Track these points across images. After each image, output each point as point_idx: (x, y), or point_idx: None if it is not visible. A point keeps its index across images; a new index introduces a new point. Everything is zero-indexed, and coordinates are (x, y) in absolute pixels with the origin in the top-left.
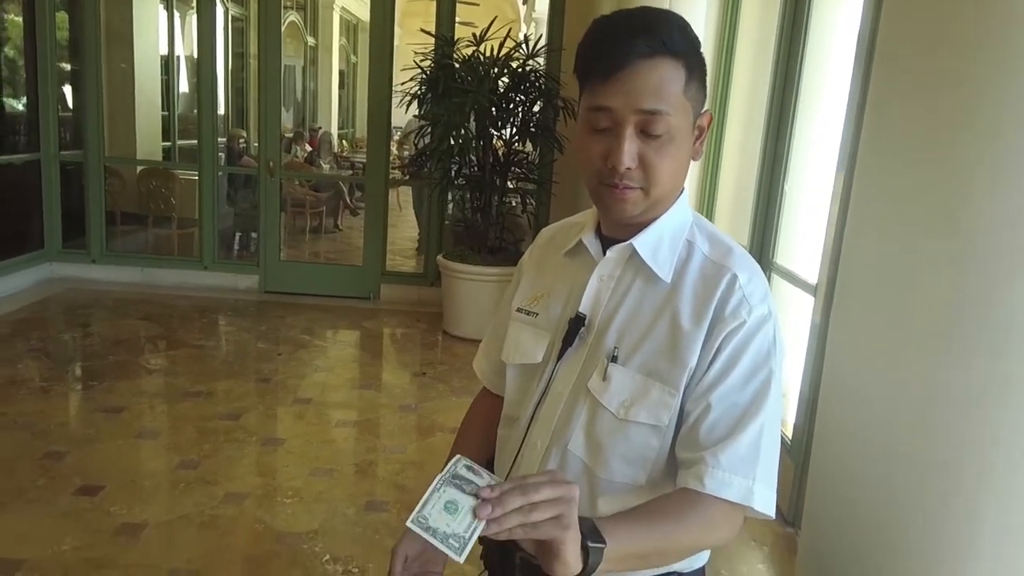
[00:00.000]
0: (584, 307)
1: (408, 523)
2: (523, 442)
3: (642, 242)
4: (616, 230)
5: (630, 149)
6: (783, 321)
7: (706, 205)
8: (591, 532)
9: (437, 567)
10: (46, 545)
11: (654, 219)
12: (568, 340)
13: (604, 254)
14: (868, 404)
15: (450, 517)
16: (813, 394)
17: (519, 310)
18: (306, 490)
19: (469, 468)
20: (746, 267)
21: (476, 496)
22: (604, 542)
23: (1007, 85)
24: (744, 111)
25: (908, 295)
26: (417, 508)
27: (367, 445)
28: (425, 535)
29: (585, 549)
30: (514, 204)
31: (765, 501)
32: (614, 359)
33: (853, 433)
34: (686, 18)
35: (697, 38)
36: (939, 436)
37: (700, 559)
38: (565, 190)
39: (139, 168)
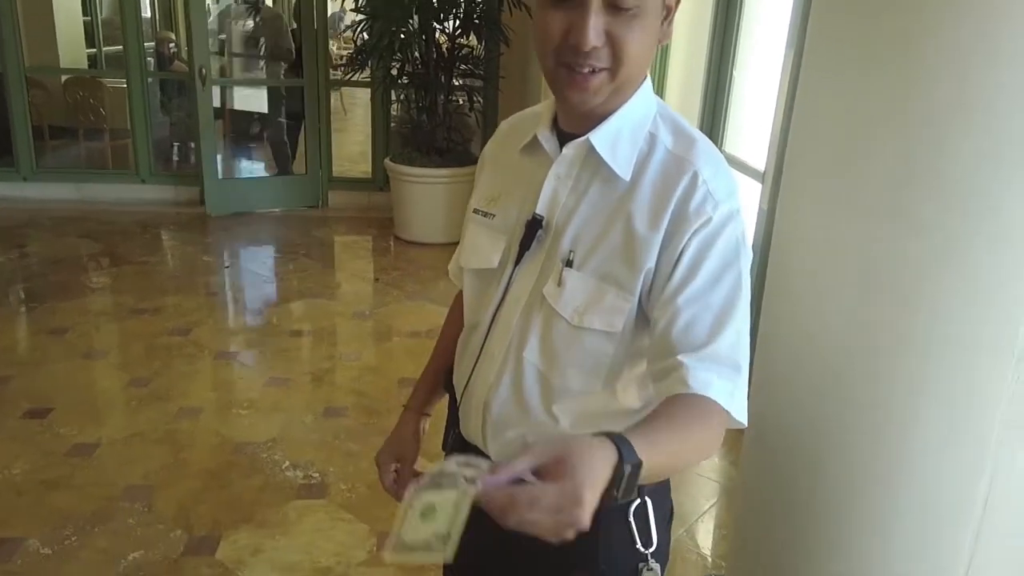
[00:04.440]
0: (541, 208)
1: (386, 555)
2: (481, 349)
3: (600, 137)
4: (574, 123)
5: (596, 24)
6: None
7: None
8: (628, 451)
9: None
10: None
11: (615, 109)
12: (525, 244)
13: (560, 151)
14: (811, 290)
15: (428, 523)
16: (759, 282)
17: (476, 211)
18: (262, 401)
19: (462, 464)
20: (710, 160)
21: (466, 481)
22: (640, 461)
23: None
24: None
25: (855, 171)
26: (393, 534)
27: (323, 353)
28: (406, 556)
29: (621, 472)
30: (461, 103)
31: (742, 409)
32: (569, 264)
33: (796, 319)
34: None
35: None
36: (881, 309)
37: None
38: (513, 86)
39: (63, 78)
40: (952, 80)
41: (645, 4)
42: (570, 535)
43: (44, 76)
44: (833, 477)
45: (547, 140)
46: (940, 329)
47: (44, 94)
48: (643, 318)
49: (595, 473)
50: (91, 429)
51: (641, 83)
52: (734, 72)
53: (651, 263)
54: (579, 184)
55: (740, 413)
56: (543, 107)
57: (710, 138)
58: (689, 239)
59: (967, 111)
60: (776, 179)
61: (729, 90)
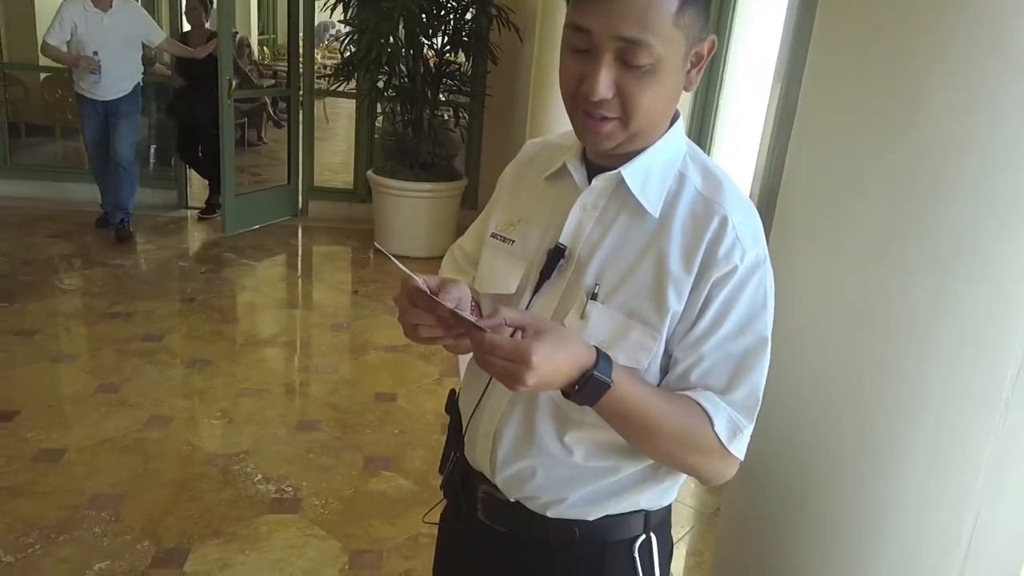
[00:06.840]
0: (565, 238)
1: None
2: (491, 378)
3: (631, 172)
4: (603, 157)
5: (606, 78)
6: None
7: None
8: (604, 366)
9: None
10: None
11: (639, 150)
12: (546, 272)
13: (589, 182)
14: (801, 325)
15: None
16: None
17: (494, 235)
18: (235, 411)
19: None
20: (738, 205)
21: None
22: (611, 382)
23: None
24: None
25: (848, 210)
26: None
27: (298, 365)
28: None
29: (590, 378)
30: (447, 118)
31: (740, 448)
32: (594, 296)
33: (785, 353)
34: None
35: None
36: (870, 350)
37: (667, 496)
38: (499, 103)
39: (42, 76)
40: (948, 120)
41: (662, 60)
42: (519, 389)
43: (22, 73)
44: (818, 514)
45: (576, 170)
46: (928, 374)
47: (22, 91)
48: (666, 357)
49: (556, 353)
50: (58, 435)
51: (671, 124)
52: (720, 100)
53: (680, 305)
54: (605, 216)
55: (739, 451)
56: (570, 138)
57: None
58: (715, 284)
59: (962, 153)
60: (761, 208)
61: (715, 118)
